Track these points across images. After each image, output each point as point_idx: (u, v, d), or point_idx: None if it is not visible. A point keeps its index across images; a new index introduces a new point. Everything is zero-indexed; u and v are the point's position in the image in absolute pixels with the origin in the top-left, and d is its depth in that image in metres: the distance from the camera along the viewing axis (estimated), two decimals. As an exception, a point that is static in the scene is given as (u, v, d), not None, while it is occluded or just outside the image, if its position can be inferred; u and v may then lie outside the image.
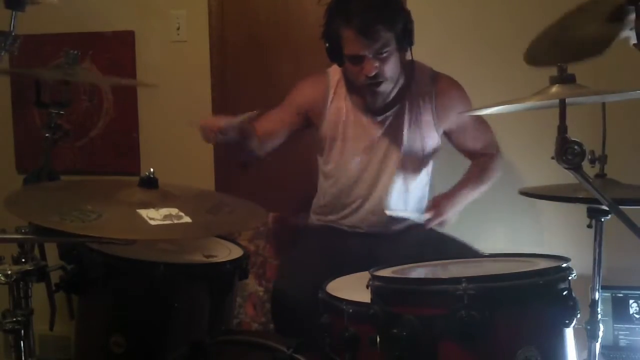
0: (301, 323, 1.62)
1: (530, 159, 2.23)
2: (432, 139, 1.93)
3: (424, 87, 1.89)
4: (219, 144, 2.48)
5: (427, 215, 1.88)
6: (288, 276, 1.84)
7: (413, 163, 1.93)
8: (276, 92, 2.37)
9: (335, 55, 1.79)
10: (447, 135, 1.97)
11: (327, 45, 1.79)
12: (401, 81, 1.87)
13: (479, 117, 1.96)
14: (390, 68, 1.76)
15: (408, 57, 1.87)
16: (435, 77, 1.91)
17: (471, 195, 1.97)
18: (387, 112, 1.90)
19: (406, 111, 1.89)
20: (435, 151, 1.97)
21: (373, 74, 1.73)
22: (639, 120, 2.16)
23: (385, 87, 1.80)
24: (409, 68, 1.89)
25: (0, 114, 2.70)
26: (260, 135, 1.88)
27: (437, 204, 1.91)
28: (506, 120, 2.19)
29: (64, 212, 1.13)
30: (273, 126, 1.95)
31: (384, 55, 1.73)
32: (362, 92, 1.85)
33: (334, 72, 1.95)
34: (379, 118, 1.90)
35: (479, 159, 2.01)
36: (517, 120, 2.22)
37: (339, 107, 1.93)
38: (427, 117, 1.89)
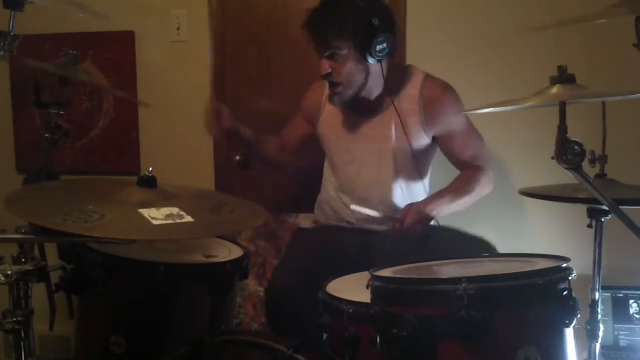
0: (297, 324, 1.63)
1: (530, 159, 2.23)
2: (421, 141, 1.93)
3: (413, 90, 1.91)
4: (219, 144, 2.50)
5: (396, 224, 1.84)
6: (283, 277, 1.84)
7: (405, 165, 1.95)
8: (276, 92, 2.38)
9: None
10: (436, 140, 1.96)
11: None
12: (379, 81, 1.89)
13: (471, 127, 1.95)
14: (345, 73, 1.84)
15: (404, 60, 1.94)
16: (426, 81, 1.93)
17: (452, 205, 1.91)
18: (375, 114, 1.94)
19: (394, 113, 1.90)
20: (428, 155, 1.99)
21: (323, 73, 1.85)
22: (639, 120, 2.16)
23: (342, 89, 1.87)
24: (400, 72, 1.95)
25: (0, 114, 2.70)
26: (283, 144, 2.11)
27: (406, 212, 1.83)
28: (506, 120, 2.21)
29: (66, 213, 1.13)
30: (290, 138, 2.13)
31: (336, 59, 1.82)
32: (329, 90, 1.94)
33: None
34: (368, 118, 1.95)
35: (466, 169, 1.99)
36: (517, 120, 2.22)
37: (332, 109, 1.99)
38: (415, 120, 1.90)
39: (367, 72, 1.86)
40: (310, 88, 2.11)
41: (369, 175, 1.96)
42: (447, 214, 1.92)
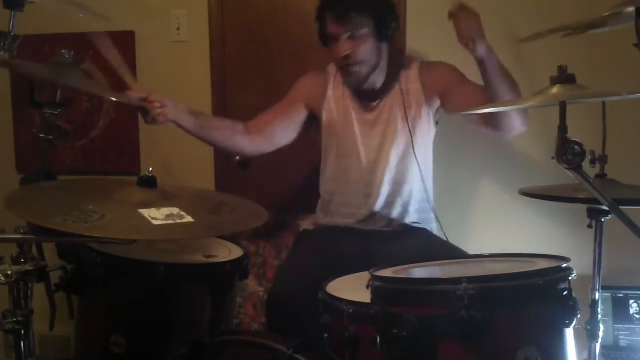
0: (298, 324, 1.62)
1: (530, 159, 2.23)
2: (426, 122, 1.97)
3: (412, 71, 1.97)
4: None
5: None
6: (286, 279, 1.84)
7: (410, 148, 1.96)
8: (276, 91, 2.37)
9: (323, 35, 1.93)
10: (444, 104, 1.96)
11: (318, 26, 1.93)
12: (384, 67, 1.95)
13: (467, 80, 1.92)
14: (364, 51, 1.86)
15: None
16: (423, 63, 2.00)
17: (499, 68, 1.73)
18: (381, 98, 1.98)
19: (397, 96, 1.95)
20: (431, 139, 2.01)
21: (343, 54, 1.85)
22: (639, 120, 2.16)
23: (358, 69, 1.89)
24: (399, 57, 2.02)
25: (0, 114, 2.70)
26: (253, 130, 2.02)
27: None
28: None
29: (66, 213, 1.13)
30: (269, 118, 2.05)
31: (357, 38, 1.84)
32: (341, 72, 1.95)
33: (332, 66, 2.06)
34: (374, 103, 1.98)
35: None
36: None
37: (337, 94, 2.02)
38: (419, 98, 1.95)
39: (380, 53, 1.91)
40: (307, 75, 2.10)
41: (374, 161, 1.97)
42: (490, 69, 1.71)
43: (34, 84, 1.51)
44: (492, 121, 1.82)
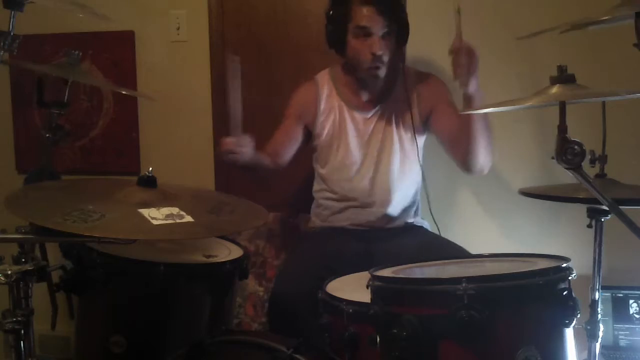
0: (300, 326, 1.62)
1: (530, 159, 2.23)
2: (419, 130, 1.99)
3: (409, 83, 1.97)
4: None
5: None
6: (287, 280, 1.84)
7: (405, 157, 1.98)
8: (276, 91, 2.38)
9: (337, 39, 1.89)
10: (428, 123, 1.98)
11: (329, 28, 1.90)
12: (386, 75, 1.95)
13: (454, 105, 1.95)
14: (389, 53, 1.87)
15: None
16: (419, 74, 2.01)
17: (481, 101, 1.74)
18: (377, 107, 1.98)
19: (393, 105, 1.97)
20: (420, 146, 2.02)
21: (379, 52, 1.82)
22: (639, 120, 2.16)
23: (382, 73, 1.89)
24: (398, 66, 2.00)
25: (0, 114, 2.70)
26: (272, 152, 2.02)
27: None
28: (506, 120, 2.21)
29: (66, 213, 1.13)
30: (282, 139, 2.06)
31: (388, 36, 1.84)
32: (362, 74, 1.91)
33: (322, 75, 2.06)
34: (370, 113, 1.98)
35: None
36: (517, 120, 2.22)
37: (332, 106, 2.01)
38: (413, 110, 1.96)
39: (393, 56, 1.91)
40: (299, 90, 2.08)
41: (371, 169, 1.97)
42: (475, 105, 1.71)
43: (42, 83, 1.51)
44: (459, 154, 1.87)
